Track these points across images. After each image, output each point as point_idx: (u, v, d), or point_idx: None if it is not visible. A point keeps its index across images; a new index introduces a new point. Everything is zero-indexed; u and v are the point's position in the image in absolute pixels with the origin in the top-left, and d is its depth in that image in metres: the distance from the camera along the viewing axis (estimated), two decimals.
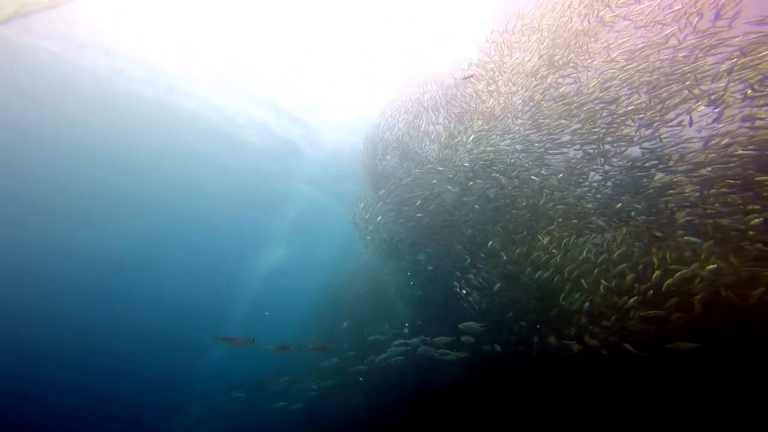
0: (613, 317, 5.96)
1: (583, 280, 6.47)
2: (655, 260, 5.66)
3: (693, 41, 5.56)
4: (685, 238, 5.48)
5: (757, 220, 4.79)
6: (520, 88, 7.98)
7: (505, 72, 8.38)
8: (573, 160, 7.12)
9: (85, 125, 15.29)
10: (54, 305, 25.35)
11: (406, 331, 11.28)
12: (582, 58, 7.00)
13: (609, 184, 6.68)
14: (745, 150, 5.14)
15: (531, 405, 7.87)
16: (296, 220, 22.57)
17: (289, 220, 22.67)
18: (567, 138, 7.13)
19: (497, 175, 8.28)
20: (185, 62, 13.24)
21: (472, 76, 8.04)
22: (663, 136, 5.85)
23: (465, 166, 8.92)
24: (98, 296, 25.59)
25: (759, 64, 4.97)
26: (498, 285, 7.83)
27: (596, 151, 6.59)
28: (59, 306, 25.61)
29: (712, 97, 5.22)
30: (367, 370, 11.59)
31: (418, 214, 10.18)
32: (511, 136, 8.23)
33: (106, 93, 14.03)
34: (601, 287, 6.12)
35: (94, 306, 26.48)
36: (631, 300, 5.72)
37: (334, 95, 15.22)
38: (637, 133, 6.21)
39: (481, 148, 8.64)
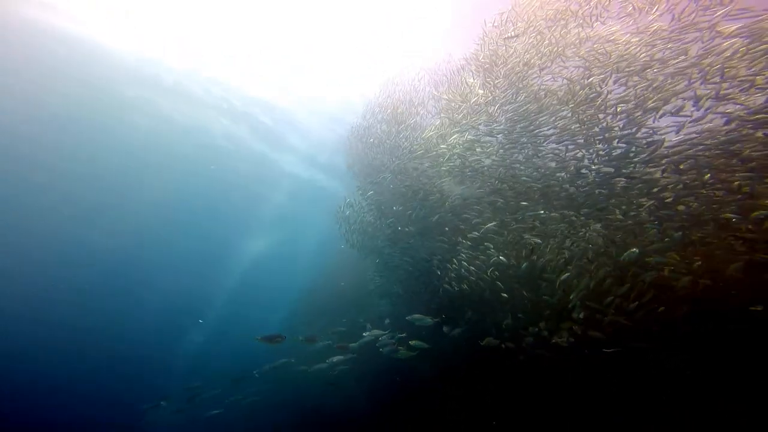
0: (613, 302, 5.79)
1: (573, 264, 6.36)
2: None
3: (688, 19, 5.41)
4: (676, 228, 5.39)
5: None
6: (510, 80, 7.80)
7: (497, 64, 8.19)
8: (558, 152, 6.97)
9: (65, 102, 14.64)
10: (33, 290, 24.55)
11: (387, 321, 11.23)
12: (573, 48, 6.84)
13: (596, 179, 6.55)
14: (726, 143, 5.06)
15: (523, 403, 7.73)
16: (283, 205, 22.28)
17: (276, 205, 22.35)
18: (553, 131, 6.99)
19: (482, 167, 8.15)
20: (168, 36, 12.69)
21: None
22: (655, 129, 5.73)
23: (450, 160, 8.79)
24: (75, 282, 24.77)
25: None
26: (491, 269, 7.70)
27: (585, 142, 6.46)
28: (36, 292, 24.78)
29: (710, 85, 5.11)
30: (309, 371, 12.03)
31: (400, 207, 10.03)
32: (499, 129, 8.09)
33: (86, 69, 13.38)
34: (601, 272, 5.97)
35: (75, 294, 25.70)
36: (646, 274, 5.50)
37: (324, 86, 15.00)
38: (626, 129, 6.08)
39: (466, 137, 8.47)
